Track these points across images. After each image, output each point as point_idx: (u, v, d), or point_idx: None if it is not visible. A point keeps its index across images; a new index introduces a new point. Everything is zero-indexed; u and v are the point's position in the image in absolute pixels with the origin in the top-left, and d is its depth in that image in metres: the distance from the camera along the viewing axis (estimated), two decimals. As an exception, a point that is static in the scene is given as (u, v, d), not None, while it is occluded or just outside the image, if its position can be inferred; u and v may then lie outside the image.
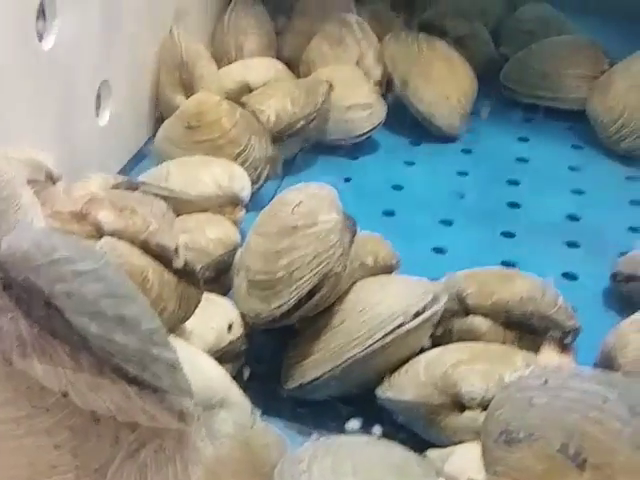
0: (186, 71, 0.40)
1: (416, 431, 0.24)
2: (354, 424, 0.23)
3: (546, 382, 0.15)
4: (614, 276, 0.31)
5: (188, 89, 0.40)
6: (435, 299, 0.25)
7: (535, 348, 0.26)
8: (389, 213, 0.37)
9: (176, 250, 0.20)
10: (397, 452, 0.17)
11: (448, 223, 0.37)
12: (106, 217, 0.20)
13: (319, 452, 0.17)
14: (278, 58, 0.47)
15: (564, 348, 0.24)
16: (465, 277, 0.27)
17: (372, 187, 0.39)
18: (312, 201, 0.25)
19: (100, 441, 0.17)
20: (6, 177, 0.18)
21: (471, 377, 0.22)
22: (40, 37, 0.30)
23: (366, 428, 0.23)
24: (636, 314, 0.28)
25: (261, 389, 0.25)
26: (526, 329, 0.26)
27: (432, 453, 0.21)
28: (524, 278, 0.27)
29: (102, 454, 0.17)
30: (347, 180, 0.40)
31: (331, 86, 0.41)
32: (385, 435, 0.23)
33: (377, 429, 0.22)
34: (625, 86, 0.41)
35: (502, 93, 0.46)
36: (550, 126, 0.44)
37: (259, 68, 0.44)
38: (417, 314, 0.24)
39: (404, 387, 0.24)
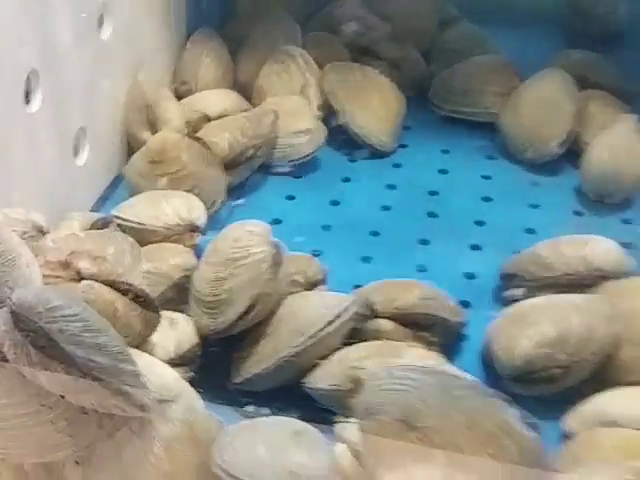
0: (151, 112, 0.47)
1: (335, 412, 0.32)
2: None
3: (392, 373, 0.23)
4: (501, 276, 0.39)
5: (153, 127, 0.47)
6: (346, 309, 0.32)
7: (427, 343, 0.34)
8: (326, 227, 0.45)
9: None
10: (299, 424, 0.25)
11: (375, 234, 0.44)
12: (84, 265, 0.27)
13: (242, 429, 0.25)
14: (236, 84, 0.54)
15: (431, 345, 0.32)
16: (373, 288, 0.35)
17: (312, 204, 0.46)
18: (248, 236, 0.33)
19: (89, 426, 0.25)
20: (8, 242, 0.25)
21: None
22: (27, 99, 0.37)
23: (289, 412, 0.31)
24: (508, 308, 0.36)
25: (214, 383, 0.33)
26: (421, 327, 0.34)
27: (338, 426, 0.28)
28: (420, 286, 0.35)
29: (91, 435, 0.24)
30: (291, 198, 0.47)
31: (277, 116, 0.48)
32: (307, 419, 0.30)
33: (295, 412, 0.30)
34: (530, 102, 0.49)
35: (431, 109, 0.53)
36: (470, 139, 0.51)
37: (215, 99, 0.51)
38: (330, 322, 0.32)
39: (323, 378, 0.31)
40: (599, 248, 0.36)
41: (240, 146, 0.46)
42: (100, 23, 0.43)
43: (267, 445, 0.24)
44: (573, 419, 0.31)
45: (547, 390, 0.32)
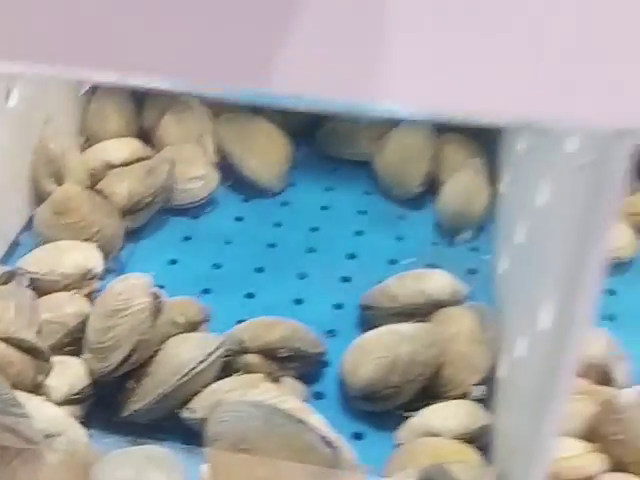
0: (56, 164, 0.53)
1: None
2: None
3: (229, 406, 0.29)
4: (361, 307, 0.45)
5: (59, 179, 0.53)
6: (216, 348, 0.38)
7: (291, 373, 0.40)
8: (217, 266, 0.51)
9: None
10: (161, 451, 0.31)
11: (260, 270, 0.50)
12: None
13: (115, 456, 0.31)
14: (142, 132, 0.59)
15: (294, 375, 0.38)
16: (244, 327, 0.41)
17: (206, 244, 0.52)
18: (130, 290, 0.38)
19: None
20: None
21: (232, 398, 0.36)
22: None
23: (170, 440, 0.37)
24: (361, 336, 0.42)
25: (106, 417, 0.39)
26: (285, 360, 0.40)
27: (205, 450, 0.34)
28: (284, 323, 0.41)
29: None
30: (187, 239, 0.53)
31: (173, 164, 0.54)
32: (185, 445, 0.36)
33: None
34: (396, 146, 0.55)
35: (317, 150, 0.59)
36: (350, 178, 0.58)
37: (118, 147, 0.57)
38: (202, 361, 0.38)
39: (197, 409, 0.37)
40: (436, 281, 0.43)
41: (138, 195, 0.51)
42: (7, 94, 0.48)
43: (133, 468, 0.30)
44: (403, 430, 0.38)
45: (386, 406, 0.39)
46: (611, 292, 0.49)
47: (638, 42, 0.19)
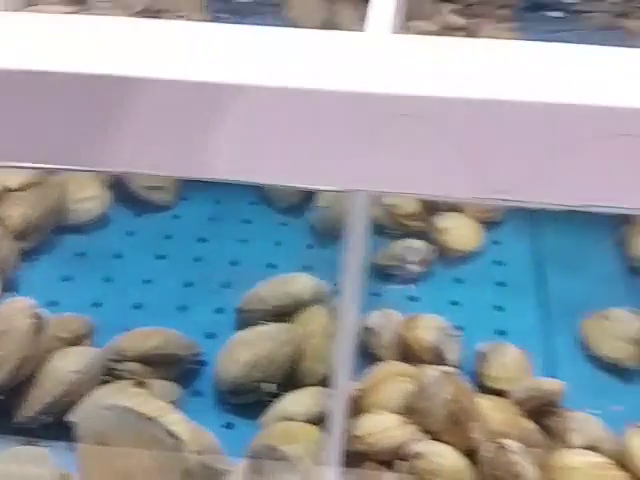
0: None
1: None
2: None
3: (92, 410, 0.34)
4: (237, 310, 0.50)
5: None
6: (95, 359, 0.43)
7: (167, 377, 0.45)
8: (109, 280, 0.55)
9: None
10: (39, 449, 0.35)
11: (148, 282, 0.55)
12: None
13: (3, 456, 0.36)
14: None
15: (144, 384, 0.43)
16: (125, 337, 0.46)
17: (98, 259, 0.57)
18: (13, 312, 0.43)
19: None
20: None
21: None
22: None
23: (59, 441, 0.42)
24: (231, 338, 0.47)
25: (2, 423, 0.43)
26: (162, 365, 0.45)
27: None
28: (160, 332, 0.46)
29: None
30: (81, 255, 0.57)
31: (64, 188, 0.58)
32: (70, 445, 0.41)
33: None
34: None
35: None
36: (237, 190, 0.63)
37: (15, 173, 0.61)
38: (81, 372, 0.42)
39: (79, 414, 0.42)
40: (300, 283, 0.49)
41: (32, 218, 0.56)
42: None
43: (15, 463, 0.35)
44: (266, 417, 0.43)
45: (253, 398, 0.44)
46: (457, 280, 0.56)
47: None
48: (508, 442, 0.37)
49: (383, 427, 0.37)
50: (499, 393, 0.45)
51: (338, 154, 0.25)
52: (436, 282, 0.56)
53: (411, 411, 0.39)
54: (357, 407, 0.39)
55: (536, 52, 0.25)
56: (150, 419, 0.33)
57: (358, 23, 0.32)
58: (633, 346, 0.46)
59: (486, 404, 0.39)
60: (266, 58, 0.24)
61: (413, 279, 0.55)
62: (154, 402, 0.36)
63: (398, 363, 0.43)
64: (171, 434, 0.33)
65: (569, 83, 0.23)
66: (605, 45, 0.25)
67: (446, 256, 0.57)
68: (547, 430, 0.42)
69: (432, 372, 0.38)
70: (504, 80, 0.23)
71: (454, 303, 0.54)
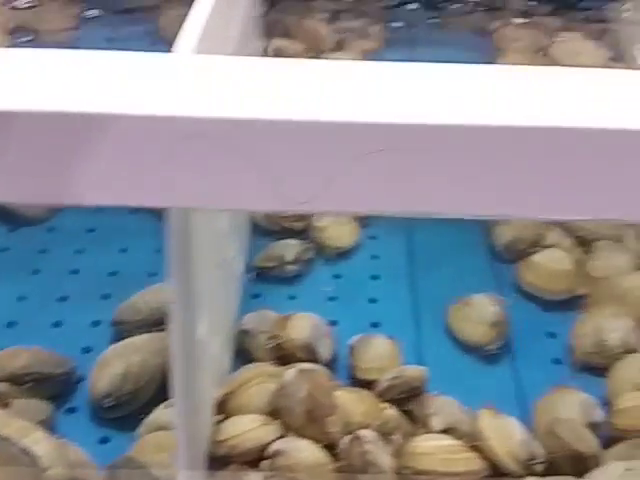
0: None
1: None
2: None
3: None
4: (113, 322, 0.51)
5: None
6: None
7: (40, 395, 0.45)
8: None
9: None
10: None
11: (22, 298, 0.54)
12: None
13: None
14: None
15: (7, 404, 0.43)
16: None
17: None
18: None
19: None
20: None
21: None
22: None
23: None
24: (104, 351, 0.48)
25: None
26: (33, 384, 0.45)
27: None
28: (25, 351, 0.46)
29: None
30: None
31: None
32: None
33: None
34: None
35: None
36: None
37: None
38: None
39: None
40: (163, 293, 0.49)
41: None
42: None
43: None
44: (141, 429, 0.44)
45: (126, 411, 0.45)
46: (336, 276, 0.57)
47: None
48: (363, 432, 0.38)
49: (245, 429, 0.39)
50: (370, 383, 0.47)
51: (147, 173, 0.25)
52: (315, 279, 0.58)
53: (274, 411, 0.40)
54: (223, 411, 0.41)
55: (330, 71, 0.26)
56: (6, 439, 0.34)
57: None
58: (491, 329, 0.49)
59: (348, 397, 0.41)
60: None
61: (292, 278, 0.57)
62: (16, 422, 0.36)
63: (263, 364, 0.44)
64: (26, 452, 0.33)
65: (351, 101, 0.24)
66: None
67: (325, 254, 0.59)
68: (411, 416, 0.44)
69: (290, 371, 0.39)
70: (293, 100, 0.24)
71: (332, 299, 0.56)
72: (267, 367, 0.43)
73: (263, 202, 0.25)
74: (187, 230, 0.30)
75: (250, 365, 0.45)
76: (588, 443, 0.40)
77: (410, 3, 0.78)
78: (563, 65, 0.68)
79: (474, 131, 0.24)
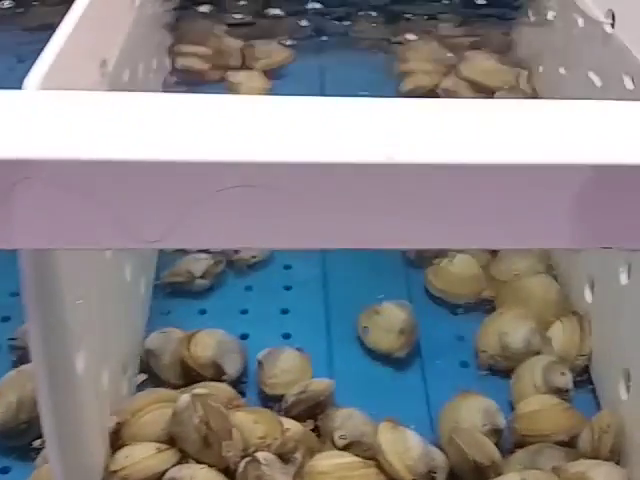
0: None
1: None
2: None
3: None
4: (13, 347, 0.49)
5: None
6: None
7: None
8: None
9: None
10: None
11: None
12: None
13: None
14: None
15: None
16: None
17: None
18: None
19: None
20: None
21: None
22: None
23: None
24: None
25: None
26: None
27: None
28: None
29: None
30: None
31: None
32: None
33: None
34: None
35: None
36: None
37: None
38: None
39: None
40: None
41: None
42: None
43: None
44: (41, 457, 0.43)
45: (24, 440, 0.43)
46: (248, 288, 0.57)
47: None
48: (259, 455, 0.38)
49: (137, 458, 0.38)
50: (279, 398, 0.47)
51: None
52: (226, 292, 0.57)
53: (170, 437, 0.39)
54: (118, 440, 0.40)
55: (182, 106, 0.25)
56: None
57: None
58: (399, 336, 0.49)
59: (247, 417, 0.40)
60: None
61: (203, 292, 0.56)
62: None
63: (159, 389, 0.43)
64: None
65: (199, 138, 0.23)
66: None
67: (235, 266, 0.58)
68: (317, 431, 0.44)
69: (183, 397, 0.39)
70: (137, 138, 0.24)
71: (243, 312, 0.55)
72: (164, 392, 0.42)
73: (114, 241, 0.24)
74: (49, 265, 0.29)
75: (147, 390, 0.44)
76: (486, 452, 0.40)
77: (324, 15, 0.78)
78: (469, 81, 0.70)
79: (323, 168, 0.23)
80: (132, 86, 0.47)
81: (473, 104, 0.27)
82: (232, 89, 0.70)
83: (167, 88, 0.67)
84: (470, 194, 0.23)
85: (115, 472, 0.37)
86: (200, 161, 0.23)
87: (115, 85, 0.42)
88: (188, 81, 0.71)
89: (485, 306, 0.54)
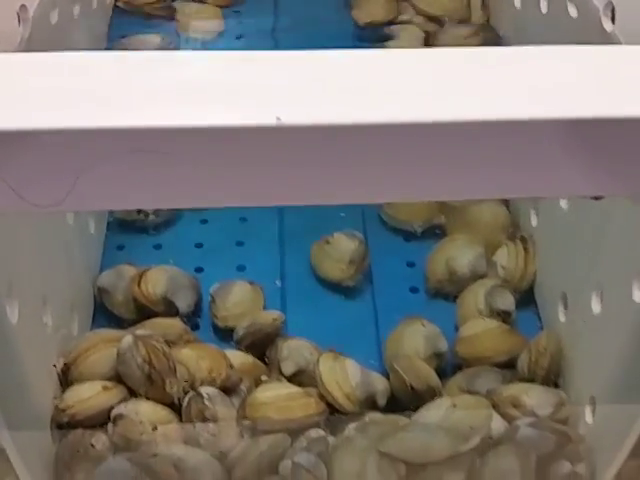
0: None
1: None
2: None
3: None
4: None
5: None
6: None
7: None
8: None
9: None
10: None
11: None
12: None
13: None
14: None
15: None
16: None
17: None
18: None
19: None
20: None
21: None
22: None
23: None
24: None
25: None
26: None
27: None
28: None
29: None
30: None
31: None
32: None
33: None
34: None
35: None
36: None
37: None
38: None
39: None
40: None
41: None
42: None
43: None
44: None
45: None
46: (203, 221, 0.57)
47: None
48: (202, 390, 0.39)
49: (86, 396, 0.39)
50: (231, 331, 0.48)
51: None
52: (181, 226, 0.57)
53: (117, 376, 0.41)
54: (66, 379, 0.41)
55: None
56: None
57: None
58: (349, 265, 0.50)
59: (192, 354, 0.42)
60: None
61: (158, 226, 0.57)
62: None
63: (105, 330, 0.44)
64: None
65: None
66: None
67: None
68: (266, 362, 0.46)
69: (125, 338, 0.40)
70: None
71: (198, 245, 0.56)
72: (110, 332, 0.43)
73: (9, 205, 0.25)
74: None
75: (94, 331, 0.45)
76: (423, 378, 0.42)
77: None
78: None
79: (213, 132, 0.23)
80: (63, 29, 0.46)
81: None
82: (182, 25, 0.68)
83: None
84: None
85: (64, 410, 0.39)
86: (86, 128, 0.23)
87: (41, 30, 0.41)
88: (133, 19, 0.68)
89: (437, 233, 0.55)
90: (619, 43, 0.36)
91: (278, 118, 0.23)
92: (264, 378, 0.43)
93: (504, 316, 0.46)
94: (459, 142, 0.24)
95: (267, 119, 0.23)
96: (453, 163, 0.25)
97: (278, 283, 0.52)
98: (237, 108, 0.24)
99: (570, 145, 0.24)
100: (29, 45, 0.36)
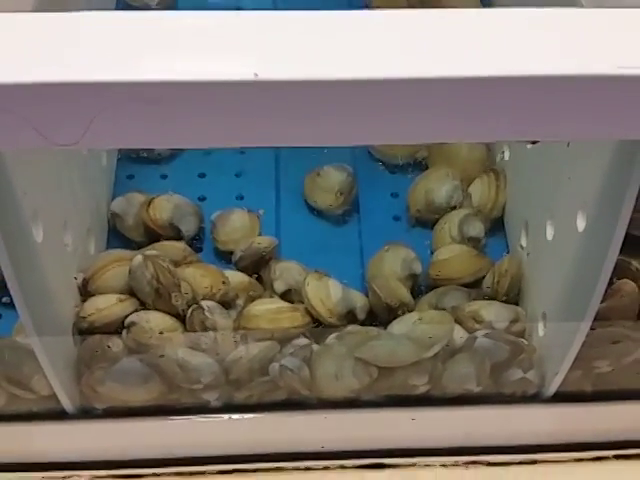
0: None
1: None
2: None
3: None
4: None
5: None
6: None
7: None
8: None
9: None
10: None
11: None
12: None
13: None
14: None
15: None
16: None
17: None
18: None
19: None
20: None
21: None
22: None
23: None
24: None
25: None
26: None
27: None
28: None
29: None
30: None
31: None
32: None
33: None
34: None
35: None
36: None
37: None
38: None
39: None
40: None
41: None
42: None
43: None
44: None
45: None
46: (206, 154, 0.62)
47: None
48: (204, 303, 0.46)
49: (102, 306, 0.46)
50: (230, 253, 0.54)
51: None
52: (186, 158, 0.62)
53: (128, 290, 0.47)
54: (85, 292, 0.48)
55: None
56: None
57: None
58: (337, 196, 0.55)
59: (195, 272, 0.48)
60: None
61: (164, 158, 0.62)
62: None
63: (119, 250, 0.50)
64: None
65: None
66: None
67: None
68: (262, 281, 0.51)
69: (136, 257, 0.46)
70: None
71: (201, 175, 0.61)
72: (123, 252, 0.49)
73: (35, 143, 0.30)
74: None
75: (109, 251, 0.51)
76: (397, 295, 0.47)
77: None
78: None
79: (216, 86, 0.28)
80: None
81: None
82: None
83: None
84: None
85: (84, 318, 0.46)
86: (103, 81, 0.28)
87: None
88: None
89: (420, 166, 0.59)
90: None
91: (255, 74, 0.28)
92: (258, 294, 0.50)
93: (474, 242, 0.52)
94: (422, 98, 0.29)
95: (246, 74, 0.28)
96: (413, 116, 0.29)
97: (273, 212, 0.58)
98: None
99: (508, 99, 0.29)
100: (41, 5, 0.40)
